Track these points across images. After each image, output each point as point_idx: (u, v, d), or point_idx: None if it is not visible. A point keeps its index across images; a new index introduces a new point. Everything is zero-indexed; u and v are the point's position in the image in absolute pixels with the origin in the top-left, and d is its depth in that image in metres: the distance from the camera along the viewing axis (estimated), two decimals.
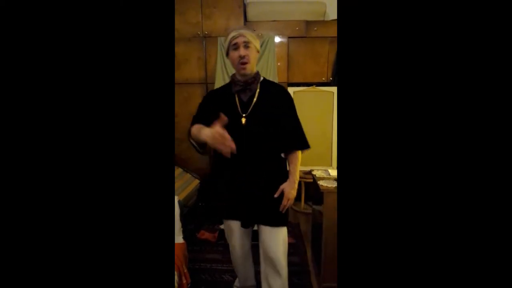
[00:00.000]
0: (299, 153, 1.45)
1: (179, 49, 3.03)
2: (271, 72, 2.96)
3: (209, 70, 3.09)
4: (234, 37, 1.30)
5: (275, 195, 1.37)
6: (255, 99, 1.37)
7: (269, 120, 1.36)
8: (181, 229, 1.96)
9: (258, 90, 1.38)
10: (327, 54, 2.99)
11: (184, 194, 2.57)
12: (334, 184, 1.81)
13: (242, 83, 1.37)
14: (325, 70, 3.02)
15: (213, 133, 1.18)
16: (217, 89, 1.53)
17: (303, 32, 2.96)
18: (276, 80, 2.99)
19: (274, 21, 3.00)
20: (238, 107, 1.37)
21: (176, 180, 2.71)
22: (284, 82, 3.04)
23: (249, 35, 1.30)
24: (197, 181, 2.96)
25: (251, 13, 3.04)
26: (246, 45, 1.31)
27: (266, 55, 2.97)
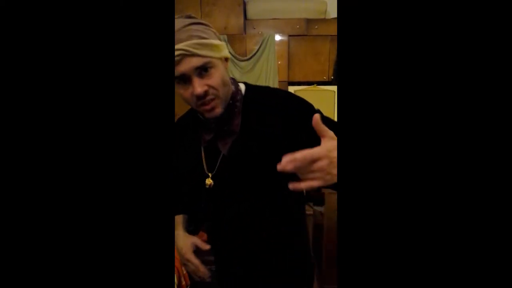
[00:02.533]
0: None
1: None
2: (272, 71, 2.94)
3: None
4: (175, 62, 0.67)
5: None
6: (228, 144, 0.79)
7: (263, 172, 0.77)
8: None
9: (239, 124, 0.78)
10: (328, 53, 2.97)
11: None
12: None
13: (215, 126, 0.79)
14: (326, 68, 3.00)
15: (183, 257, 0.89)
16: (182, 121, 0.94)
17: (303, 31, 2.94)
18: (276, 79, 2.96)
19: (275, 19, 2.97)
20: (203, 160, 0.83)
21: None
22: (285, 81, 3.02)
23: (202, 48, 0.66)
24: None
25: (251, 11, 3.02)
26: (204, 68, 0.68)
27: (266, 54, 2.95)
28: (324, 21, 2.97)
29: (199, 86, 0.68)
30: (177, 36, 0.65)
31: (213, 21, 2.96)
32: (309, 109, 0.77)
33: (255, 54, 2.97)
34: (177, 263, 1.72)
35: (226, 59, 0.74)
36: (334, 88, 2.90)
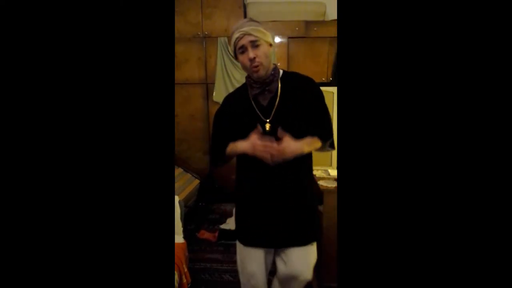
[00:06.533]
0: (318, 141, 1.23)
1: (179, 49, 3.03)
2: None
3: (209, 70, 3.09)
4: (238, 39, 1.14)
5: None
6: (277, 101, 1.21)
7: (296, 120, 1.21)
8: (182, 229, 1.97)
9: (279, 89, 1.22)
10: (327, 54, 2.99)
11: (184, 194, 2.57)
12: (334, 184, 1.81)
13: (259, 85, 1.21)
14: (325, 70, 3.02)
15: (254, 145, 1.12)
16: (231, 94, 1.36)
17: (303, 32, 2.97)
18: None
19: (274, 21, 3.00)
20: (258, 112, 1.22)
21: (176, 180, 2.71)
22: None
23: (255, 31, 1.13)
24: (197, 181, 2.96)
25: (251, 13, 3.04)
26: (254, 44, 1.13)
27: None
28: (323, 23, 2.99)
29: (251, 52, 1.13)
30: (241, 26, 1.14)
31: (214, 22, 2.99)
32: (314, 84, 1.29)
33: None
34: (178, 261, 1.74)
35: (270, 45, 1.19)
36: (333, 89, 2.90)
